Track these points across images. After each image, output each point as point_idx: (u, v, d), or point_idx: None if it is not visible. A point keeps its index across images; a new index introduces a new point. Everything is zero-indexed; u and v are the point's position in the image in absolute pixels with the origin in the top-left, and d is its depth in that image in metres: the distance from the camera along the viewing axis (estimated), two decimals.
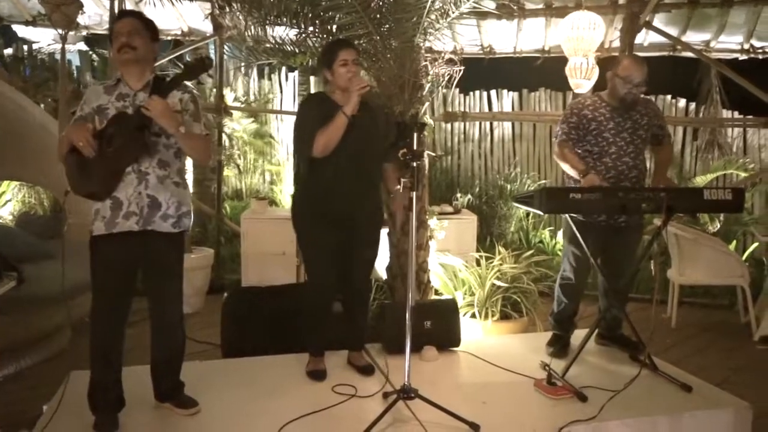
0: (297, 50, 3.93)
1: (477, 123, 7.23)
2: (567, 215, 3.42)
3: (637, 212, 3.14)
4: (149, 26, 2.55)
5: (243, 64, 4.13)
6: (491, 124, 7.22)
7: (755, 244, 5.93)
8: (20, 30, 6.74)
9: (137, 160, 2.46)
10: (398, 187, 3.02)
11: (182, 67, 2.79)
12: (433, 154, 6.72)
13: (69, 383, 2.78)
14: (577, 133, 3.32)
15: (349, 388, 2.91)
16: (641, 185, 3.34)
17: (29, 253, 4.13)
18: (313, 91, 7.24)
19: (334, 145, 2.86)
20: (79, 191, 2.48)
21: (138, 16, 2.55)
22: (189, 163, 5.56)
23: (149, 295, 2.61)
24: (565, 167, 3.33)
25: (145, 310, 2.65)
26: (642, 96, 3.35)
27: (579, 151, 3.33)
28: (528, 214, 6.62)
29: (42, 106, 5.60)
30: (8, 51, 6.95)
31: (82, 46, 7.34)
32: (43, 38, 6.88)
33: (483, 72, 6.54)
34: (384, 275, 4.07)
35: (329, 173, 2.92)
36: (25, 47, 6.91)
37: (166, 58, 6.06)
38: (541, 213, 3.30)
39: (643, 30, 5.85)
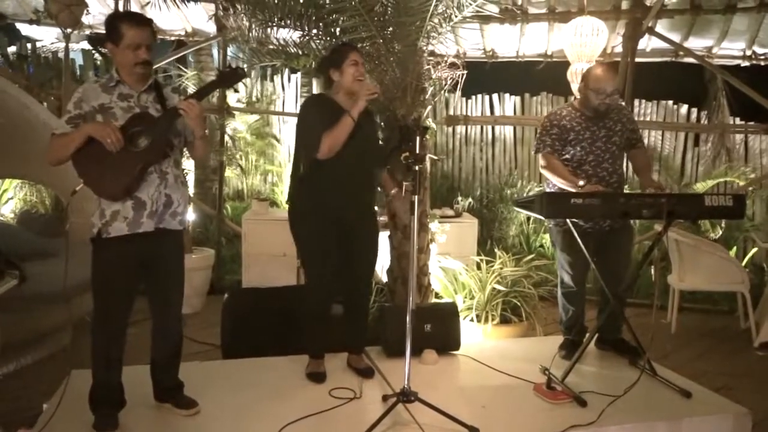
0: (300, 52, 3.94)
1: (479, 127, 7.24)
2: (552, 224, 3.44)
3: (638, 218, 3.15)
4: (154, 33, 2.55)
5: (246, 65, 4.14)
6: (493, 127, 7.24)
7: (755, 250, 5.94)
8: (24, 28, 6.75)
9: (162, 160, 2.49)
10: (395, 190, 3.06)
11: (217, 74, 2.78)
12: (435, 158, 6.73)
13: (70, 382, 2.78)
14: (560, 144, 3.37)
15: (349, 391, 2.91)
16: (622, 190, 3.39)
17: (31, 252, 4.13)
18: (315, 92, 7.25)
19: (339, 147, 2.87)
20: (102, 191, 2.43)
21: (150, 24, 2.51)
22: (191, 163, 5.59)
23: (153, 294, 2.62)
24: (554, 179, 3.35)
25: (145, 309, 2.66)
26: (616, 102, 3.38)
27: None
28: (529, 218, 6.63)
29: (45, 104, 5.61)
30: (12, 49, 6.96)
31: (85, 44, 7.34)
32: (47, 36, 6.89)
33: (485, 76, 6.56)
34: (384, 278, 4.08)
35: (331, 175, 2.93)
36: (29, 45, 6.91)
37: (170, 59, 6.08)
38: (542, 218, 3.32)
39: (646, 35, 5.86)
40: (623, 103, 3.50)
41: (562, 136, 3.36)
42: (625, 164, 3.57)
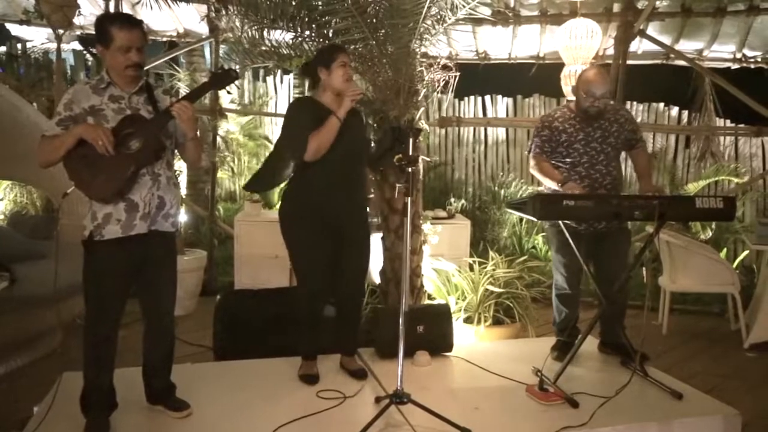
0: (293, 53, 3.94)
1: (471, 128, 7.26)
2: (548, 225, 3.46)
3: (630, 219, 3.18)
4: (145, 35, 2.52)
5: (238, 66, 4.13)
6: (485, 129, 7.25)
7: (746, 252, 5.97)
8: (14, 28, 6.71)
9: (155, 162, 2.47)
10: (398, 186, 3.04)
11: (210, 75, 2.76)
12: (428, 159, 6.74)
13: (61, 384, 2.77)
14: (550, 146, 3.40)
15: (341, 393, 2.91)
16: (617, 191, 3.41)
17: (21, 254, 4.11)
18: (307, 93, 7.24)
19: (326, 149, 2.88)
20: (92, 194, 2.41)
21: (141, 25, 2.48)
22: (183, 164, 5.56)
23: (145, 296, 2.61)
24: (542, 179, 3.39)
25: (136, 312, 2.65)
26: (612, 103, 3.41)
27: (552, 162, 3.40)
28: (521, 220, 6.63)
29: (35, 105, 5.57)
30: (2, 49, 6.91)
31: (76, 45, 7.31)
32: (37, 37, 6.84)
33: (478, 77, 6.57)
34: (377, 279, 4.08)
35: (321, 177, 2.94)
36: (19, 46, 6.86)
37: (161, 60, 6.06)
38: (535, 219, 3.33)
39: (637, 38, 5.89)
40: (612, 103, 3.50)
41: (552, 137, 3.38)
42: (623, 166, 3.57)
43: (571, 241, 3.23)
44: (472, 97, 7.23)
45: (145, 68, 2.63)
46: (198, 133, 2.60)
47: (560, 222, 3.26)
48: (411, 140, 2.66)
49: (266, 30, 3.83)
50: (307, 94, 7.08)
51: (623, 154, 3.60)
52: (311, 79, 3.12)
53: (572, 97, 5.22)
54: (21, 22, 6.27)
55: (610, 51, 5.94)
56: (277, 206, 6.55)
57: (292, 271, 5.05)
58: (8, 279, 3.33)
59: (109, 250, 2.42)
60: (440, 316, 3.55)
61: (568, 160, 3.36)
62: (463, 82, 4.15)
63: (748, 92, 5.55)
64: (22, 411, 2.85)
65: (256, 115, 7.20)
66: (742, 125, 6.35)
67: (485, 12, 3.85)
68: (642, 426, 2.75)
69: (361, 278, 3.22)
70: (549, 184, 3.35)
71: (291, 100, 7.29)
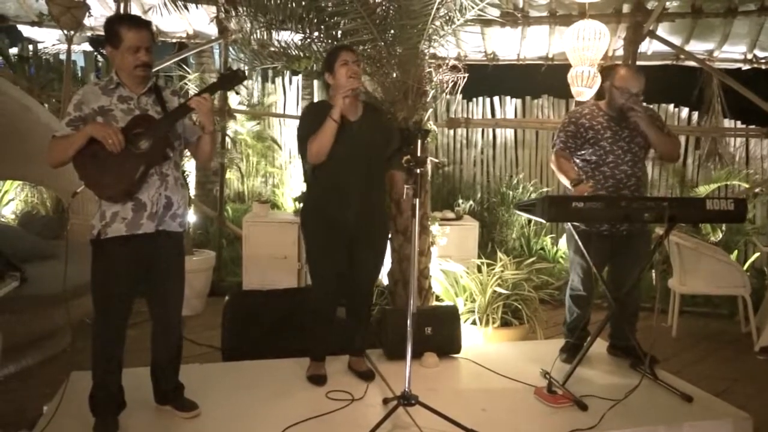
0: (301, 55, 3.95)
1: (480, 129, 7.25)
2: (570, 225, 3.42)
3: (640, 221, 3.15)
4: (153, 35, 2.55)
5: (247, 67, 4.14)
6: (494, 130, 7.24)
7: (756, 254, 5.93)
8: (26, 30, 6.76)
9: (163, 162, 2.49)
10: (406, 188, 3.04)
11: (218, 76, 2.79)
12: (437, 161, 6.73)
13: (70, 384, 2.78)
14: (575, 142, 3.34)
15: (349, 394, 2.91)
16: (640, 193, 3.36)
17: (32, 253, 4.13)
18: (316, 94, 7.27)
19: (326, 151, 2.86)
20: (102, 193, 2.43)
21: (149, 26, 2.51)
22: (191, 165, 5.59)
23: (153, 296, 2.62)
24: (562, 178, 3.34)
25: (144, 311, 2.66)
26: (639, 104, 3.36)
27: (577, 160, 3.35)
28: (530, 221, 6.62)
29: (46, 106, 5.61)
30: (13, 51, 6.96)
31: (87, 46, 7.35)
32: (48, 38, 6.89)
33: (486, 78, 6.56)
34: (385, 281, 4.07)
35: (333, 178, 2.94)
36: (30, 47, 6.92)
37: (171, 61, 6.09)
38: (544, 221, 3.30)
39: (647, 39, 5.86)
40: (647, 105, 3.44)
41: (578, 133, 3.32)
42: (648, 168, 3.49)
43: (582, 245, 3.20)
44: (480, 98, 7.22)
45: (155, 69, 2.65)
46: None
47: (570, 225, 3.25)
48: (419, 141, 2.66)
49: (275, 31, 3.85)
50: (316, 96, 7.16)
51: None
52: (325, 86, 3.12)
53: (579, 98, 5.26)
54: (33, 24, 6.33)
55: (620, 52, 5.92)
56: (285, 208, 6.63)
57: (301, 271, 5.13)
58: (19, 278, 3.34)
59: (116, 248, 2.44)
60: (448, 318, 3.55)
61: (593, 158, 3.30)
62: (471, 83, 4.14)
63: (759, 93, 5.52)
64: (32, 410, 2.87)
65: (264, 115, 7.23)
66: (752, 126, 6.31)
67: (494, 13, 3.85)
68: (651, 429, 2.72)
69: (372, 280, 3.22)
70: (564, 182, 3.32)
71: (301, 101, 7.33)
